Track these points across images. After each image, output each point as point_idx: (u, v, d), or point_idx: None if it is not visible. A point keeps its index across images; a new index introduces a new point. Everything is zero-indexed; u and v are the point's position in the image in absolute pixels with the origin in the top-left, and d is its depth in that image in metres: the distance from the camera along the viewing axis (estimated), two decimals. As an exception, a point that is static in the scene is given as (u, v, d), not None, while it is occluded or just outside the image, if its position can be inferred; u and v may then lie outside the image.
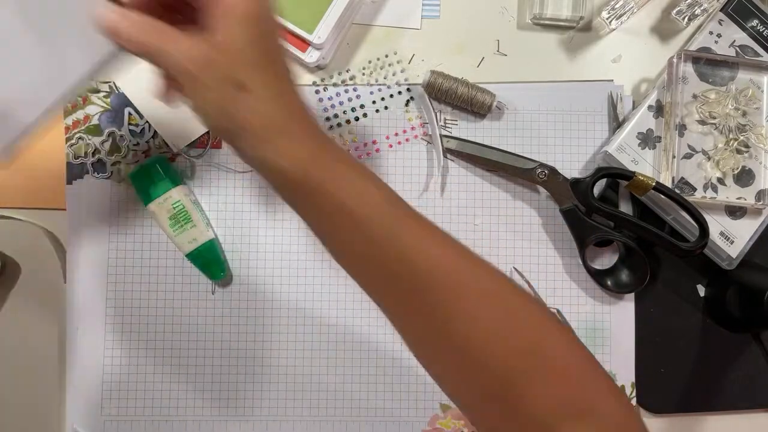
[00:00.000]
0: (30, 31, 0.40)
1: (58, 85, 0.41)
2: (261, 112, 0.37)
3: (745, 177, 0.55)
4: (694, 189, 0.54)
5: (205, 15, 0.37)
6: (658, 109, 0.55)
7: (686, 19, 0.57)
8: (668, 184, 0.53)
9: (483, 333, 0.36)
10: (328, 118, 0.57)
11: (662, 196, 0.53)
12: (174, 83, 0.39)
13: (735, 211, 0.55)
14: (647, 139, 0.55)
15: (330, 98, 0.57)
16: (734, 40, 0.56)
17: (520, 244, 0.57)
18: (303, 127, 0.37)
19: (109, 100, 0.57)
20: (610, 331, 0.57)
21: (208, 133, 0.56)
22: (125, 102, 0.56)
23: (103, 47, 0.39)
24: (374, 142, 0.57)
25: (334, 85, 0.58)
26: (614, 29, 0.59)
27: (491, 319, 0.36)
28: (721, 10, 0.56)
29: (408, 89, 0.58)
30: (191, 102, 0.37)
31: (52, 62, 0.41)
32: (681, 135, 0.54)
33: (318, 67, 0.58)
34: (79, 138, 0.56)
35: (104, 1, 0.37)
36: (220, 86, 0.36)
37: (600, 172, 0.54)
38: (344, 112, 0.57)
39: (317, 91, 0.57)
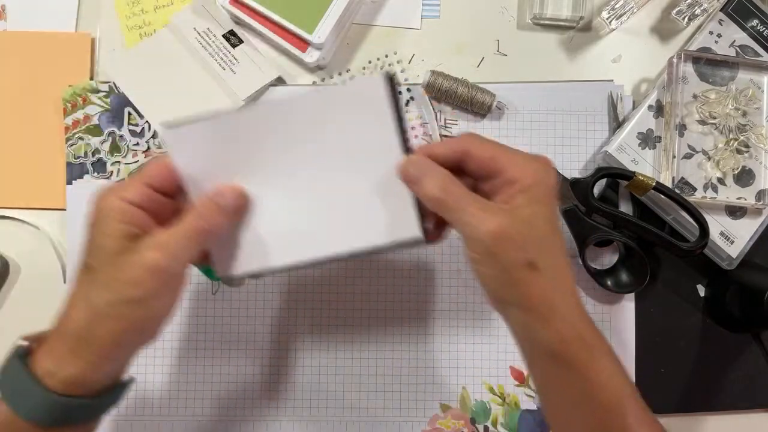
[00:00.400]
0: (338, 185, 0.40)
1: (333, 244, 0.41)
2: (543, 290, 0.38)
3: (745, 177, 0.55)
4: (694, 189, 0.54)
5: (504, 187, 0.39)
6: (658, 109, 0.55)
7: (686, 19, 0.57)
8: (668, 184, 0.53)
9: None
10: (328, 118, 0.57)
11: (662, 196, 0.53)
12: (440, 223, 0.41)
13: (735, 211, 0.55)
14: (647, 139, 0.55)
15: (330, 98, 0.57)
16: (734, 40, 0.56)
17: (520, 244, 0.57)
18: (575, 307, 0.39)
19: (109, 100, 0.57)
20: (610, 331, 0.57)
21: (208, 133, 0.56)
22: (125, 102, 0.56)
23: (407, 232, 0.40)
24: (374, 142, 0.57)
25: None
26: (614, 29, 0.59)
27: None
28: (721, 10, 0.56)
29: (408, 89, 0.58)
30: (475, 266, 0.39)
31: (342, 221, 0.41)
32: (681, 135, 0.54)
33: (318, 67, 0.58)
34: (79, 138, 0.56)
35: (400, 152, 0.39)
36: (512, 263, 0.38)
37: (600, 172, 0.54)
38: (344, 112, 0.57)
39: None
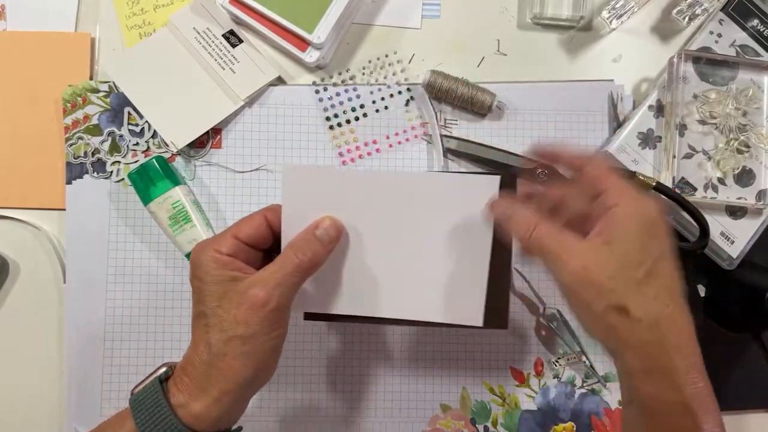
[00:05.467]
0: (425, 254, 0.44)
1: (406, 310, 0.44)
2: (640, 340, 0.36)
3: (745, 177, 0.55)
4: (695, 189, 0.54)
5: (601, 214, 0.38)
6: (659, 109, 0.55)
7: (686, 18, 0.57)
8: (669, 184, 0.53)
9: None
10: (328, 118, 0.57)
11: (663, 196, 0.53)
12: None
13: (735, 211, 0.55)
14: (648, 139, 0.55)
15: (330, 98, 0.57)
16: (735, 40, 0.56)
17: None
18: (686, 366, 0.36)
19: (108, 100, 0.56)
20: (610, 331, 0.56)
21: (208, 133, 0.56)
22: (125, 102, 0.56)
23: (473, 320, 0.44)
24: (374, 142, 0.57)
25: (334, 84, 0.57)
26: (614, 29, 0.59)
27: None
28: (721, 10, 0.56)
29: (408, 89, 0.58)
30: (568, 306, 0.39)
31: (420, 292, 0.44)
32: (681, 135, 0.54)
33: (318, 67, 0.57)
34: (79, 138, 0.56)
35: (489, 249, 0.43)
36: (599, 307, 0.36)
37: (600, 172, 0.53)
38: (344, 112, 0.57)
39: (317, 91, 0.57)
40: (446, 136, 0.57)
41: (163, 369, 0.41)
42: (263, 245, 0.43)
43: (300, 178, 0.43)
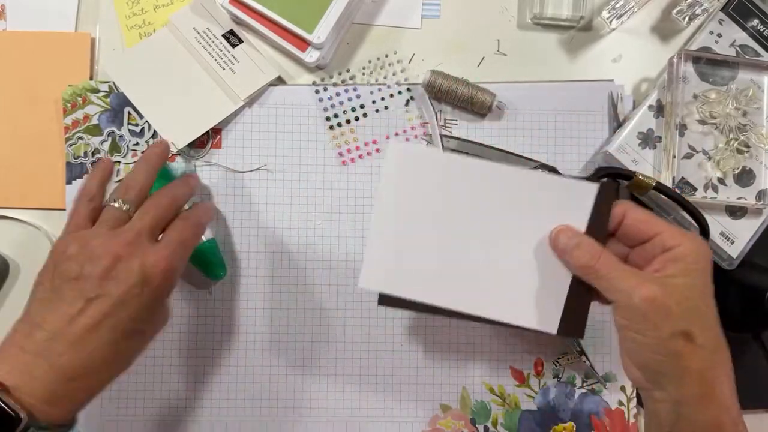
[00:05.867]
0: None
1: (482, 307, 0.44)
2: (701, 366, 0.38)
3: (745, 177, 0.55)
4: (695, 189, 0.54)
5: (657, 255, 0.40)
6: (659, 109, 0.55)
7: (686, 18, 0.57)
8: (669, 184, 0.53)
9: None
10: (328, 118, 0.57)
11: (662, 196, 0.53)
12: (601, 298, 0.43)
13: (735, 211, 0.55)
14: (647, 139, 0.55)
15: (330, 98, 0.57)
16: (734, 40, 0.56)
17: (520, 244, 0.57)
18: (732, 390, 0.39)
19: (108, 100, 0.56)
20: (610, 331, 0.56)
21: (208, 133, 0.56)
22: (125, 102, 0.56)
23: (549, 327, 0.44)
24: (374, 142, 0.57)
25: (334, 85, 0.57)
26: (614, 29, 0.59)
27: None
28: (721, 10, 0.56)
29: (408, 89, 0.58)
30: (627, 333, 0.40)
31: (500, 291, 0.44)
32: (681, 135, 0.54)
33: (318, 67, 0.57)
34: (79, 138, 0.56)
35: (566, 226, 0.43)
36: (668, 332, 0.38)
37: (600, 172, 0.53)
38: (344, 112, 0.57)
39: (317, 91, 0.57)
40: (446, 136, 0.57)
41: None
42: None
43: (404, 158, 0.44)
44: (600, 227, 0.43)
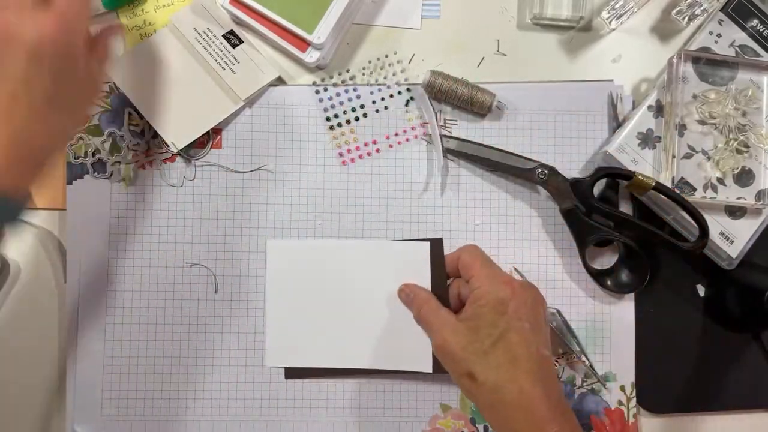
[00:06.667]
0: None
1: (365, 361, 0.54)
2: (485, 402, 0.44)
3: (744, 177, 0.55)
4: (694, 189, 0.54)
5: (468, 297, 0.48)
6: (658, 109, 0.55)
7: (686, 19, 0.57)
8: (668, 184, 0.53)
9: None
10: (328, 118, 0.57)
11: (662, 196, 0.53)
12: None
13: (735, 211, 0.55)
14: (647, 139, 0.55)
15: (330, 98, 0.57)
16: (734, 40, 0.56)
17: (520, 244, 0.57)
18: (527, 423, 0.42)
19: (109, 100, 0.57)
20: (610, 331, 0.57)
21: (208, 133, 0.56)
22: (125, 102, 0.56)
23: (424, 367, 0.53)
24: (374, 142, 0.57)
25: (334, 85, 0.58)
26: (614, 29, 0.59)
27: None
28: (721, 10, 0.56)
29: (408, 89, 0.58)
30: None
31: (375, 345, 0.54)
32: (681, 135, 0.54)
33: (318, 67, 0.58)
34: (79, 138, 0.56)
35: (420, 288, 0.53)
36: (454, 373, 0.46)
37: (600, 172, 0.54)
38: (344, 112, 0.57)
39: (317, 91, 0.57)
40: (446, 136, 0.57)
41: None
42: None
43: (280, 252, 0.55)
44: (440, 276, 0.52)
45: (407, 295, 0.52)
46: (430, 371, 0.52)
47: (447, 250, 0.54)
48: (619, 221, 0.54)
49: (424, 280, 0.53)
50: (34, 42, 0.40)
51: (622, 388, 0.56)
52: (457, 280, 0.52)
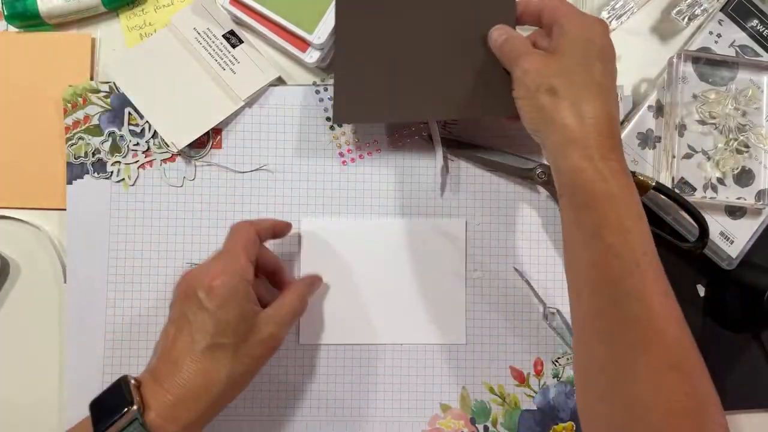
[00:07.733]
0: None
1: (394, 336, 0.56)
2: (564, 116, 0.41)
3: (745, 177, 0.55)
4: (694, 189, 0.54)
5: (555, 36, 0.45)
6: (658, 109, 0.55)
7: (686, 19, 0.57)
8: (668, 184, 0.53)
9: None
10: (328, 118, 0.57)
11: (662, 196, 0.53)
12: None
13: (735, 211, 0.55)
14: (647, 139, 0.55)
15: (330, 98, 0.57)
16: (734, 40, 0.56)
17: (520, 244, 0.57)
18: (602, 145, 0.41)
19: (109, 100, 0.57)
20: (610, 331, 0.57)
21: (208, 133, 0.56)
22: (125, 102, 0.56)
23: (456, 338, 0.56)
24: (375, 142, 0.57)
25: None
26: (614, 29, 0.59)
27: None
28: (721, 10, 0.56)
29: (408, 89, 0.58)
30: (516, 102, 0.45)
31: (405, 323, 0.56)
32: (681, 135, 0.54)
33: (318, 68, 0.58)
34: (79, 138, 0.56)
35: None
36: (535, 86, 0.43)
37: (600, 172, 0.53)
38: (344, 112, 0.57)
39: (317, 91, 0.57)
40: (446, 137, 0.57)
41: (134, 408, 0.40)
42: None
43: (316, 229, 0.56)
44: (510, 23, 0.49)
45: (499, 27, 0.48)
46: (464, 342, 0.55)
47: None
48: (619, 221, 0.54)
49: (459, 257, 0.55)
50: (206, 284, 0.43)
51: (622, 388, 0.56)
52: (534, 32, 0.50)
